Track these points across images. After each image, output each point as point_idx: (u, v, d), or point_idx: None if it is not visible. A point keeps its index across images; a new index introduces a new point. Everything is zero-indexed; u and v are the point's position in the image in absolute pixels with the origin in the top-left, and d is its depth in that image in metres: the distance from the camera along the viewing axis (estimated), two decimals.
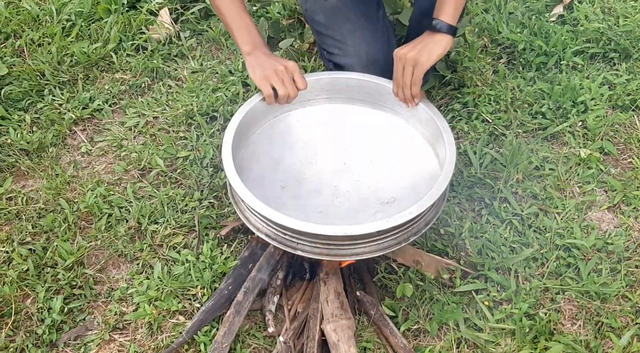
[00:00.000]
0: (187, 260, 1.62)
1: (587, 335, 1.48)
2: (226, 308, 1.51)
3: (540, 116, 1.94)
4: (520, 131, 1.92)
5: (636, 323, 1.49)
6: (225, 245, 1.66)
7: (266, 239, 1.43)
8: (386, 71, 1.64)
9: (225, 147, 1.48)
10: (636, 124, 1.93)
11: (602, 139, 1.88)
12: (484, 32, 2.20)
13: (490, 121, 1.94)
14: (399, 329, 1.48)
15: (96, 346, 1.51)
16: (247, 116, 1.58)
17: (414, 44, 1.52)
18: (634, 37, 2.13)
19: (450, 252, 1.62)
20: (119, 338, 1.53)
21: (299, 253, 1.40)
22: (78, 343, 1.51)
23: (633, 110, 1.96)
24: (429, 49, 1.48)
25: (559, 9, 2.28)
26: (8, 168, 1.89)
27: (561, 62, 2.10)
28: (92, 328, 1.54)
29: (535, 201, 1.72)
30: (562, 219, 1.68)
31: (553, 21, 2.25)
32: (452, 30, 1.48)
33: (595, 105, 1.95)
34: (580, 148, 1.85)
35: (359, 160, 1.62)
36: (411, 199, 1.47)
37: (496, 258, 1.59)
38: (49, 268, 1.63)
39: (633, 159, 1.84)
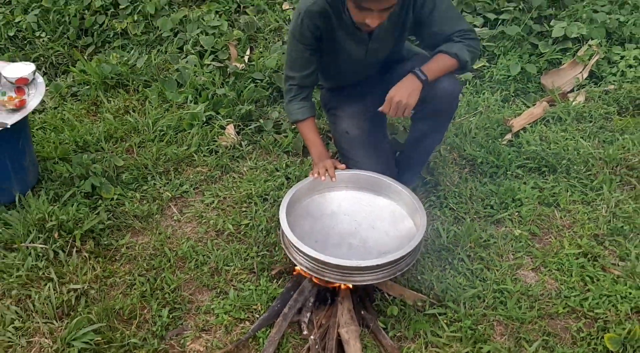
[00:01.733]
0: (250, 288, 2.46)
1: (509, 344, 2.29)
2: (276, 318, 2.34)
3: (489, 207, 2.83)
4: (475, 216, 2.80)
5: (542, 339, 2.30)
6: (275, 280, 2.51)
7: (305, 270, 2.28)
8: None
9: (281, 212, 2.36)
10: (556, 216, 2.81)
11: (531, 224, 2.76)
12: (454, 150, 3.13)
13: (455, 209, 2.83)
14: (388, 335, 2.30)
15: (190, 340, 2.32)
16: (295, 195, 2.48)
17: (400, 88, 2.34)
18: (559, 158, 3.05)
19: (424, 290, 2.46)
20: (205, 336, 2.34)
21: (326, 278, 2.25)
22: (178, 338, 2.33)
23: (555, 206, 2.85)
24: (411, 94, 2.33)
25: (508, 136, 3.22)
26: (126, 227, 2.77)
27: (507, 173, 3.01)
28: (187, 329, 2.36)
29: (481, 261, 2.58)
30: (499, 273, 2.53)
31: (504, 144, 3.18)
32: (425, 81, 2.35)
33: (528, 202, 2.84)
34: (515, 228, 2.72)
35: (366, 227, 2.50)
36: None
37: (453, 295, 2.43)
38: (158, 291, 2.47)
39: (552, 239, 2.71)
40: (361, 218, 2.54)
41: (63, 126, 3.37)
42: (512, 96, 3.61)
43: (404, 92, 2.33)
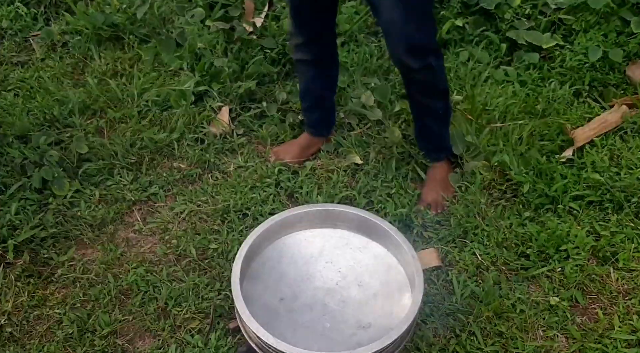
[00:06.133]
0: (197, 344, 1.97)
1: None
2: None
3: (524, 257, 2.19)
4: (503, 268, 2.18)
5: None
6: (231, 336, 2.01)
7: (255, 347, 1.77)
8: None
9: (236, 264, 1.83)
10: (611, 277, 2.15)
11: (575, 288, 2.11)
12: (495, 168, 2.45)
13: (479, 255, 2.20)
14: None
15: None
16: (266, 231, 1.94)
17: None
18: (629, 192, 2.34)
19: None
20: None
21: None
22: None
23: (612, 263, 2.18)
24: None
25: (569, 152, 2.51)
26: (74, 238, 2.30)
27: (559, 206, 2.33)
28: None
29: (499, 339, 1.98)
30: None
31: (562, 162, 2.48)
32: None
33: (577, 254, 2.18)
34: (552, 294, 2.09)
35: (349, 283, 1.93)
36: (384, 327, 1.78)
37: None
38: (89, 333, 2.02)
39: (599, 310, 2.07)
40: (346, 269, 1.97)
41: (37, 90, 2.89)
42: (586, 91, 2.84)
43: None
